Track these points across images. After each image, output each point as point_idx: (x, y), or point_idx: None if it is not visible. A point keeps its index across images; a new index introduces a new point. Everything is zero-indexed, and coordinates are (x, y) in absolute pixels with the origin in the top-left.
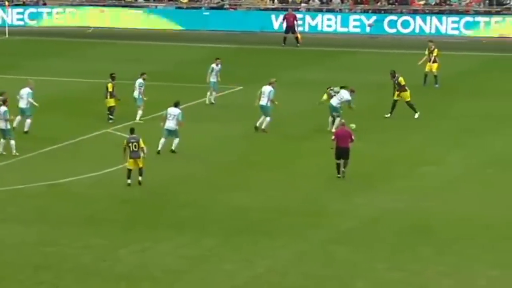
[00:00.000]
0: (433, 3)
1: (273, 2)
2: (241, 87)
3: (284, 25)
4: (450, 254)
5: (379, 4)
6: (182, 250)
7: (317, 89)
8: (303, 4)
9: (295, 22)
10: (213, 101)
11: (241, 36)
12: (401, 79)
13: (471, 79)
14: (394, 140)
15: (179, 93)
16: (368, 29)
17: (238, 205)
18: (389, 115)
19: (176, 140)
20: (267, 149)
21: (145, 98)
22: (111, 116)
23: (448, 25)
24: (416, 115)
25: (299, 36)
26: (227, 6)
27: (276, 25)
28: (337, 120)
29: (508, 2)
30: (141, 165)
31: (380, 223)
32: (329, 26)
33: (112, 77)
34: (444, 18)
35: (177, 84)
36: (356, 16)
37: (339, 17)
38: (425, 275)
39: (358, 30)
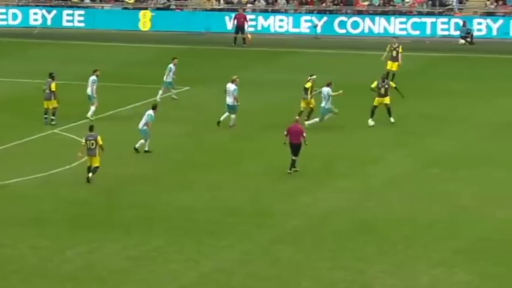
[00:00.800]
0: (377, 4)
1: (219, 3)
2: (188, 88)
3: (234, 25)
4: (393, 253)
5: (324, 5)
6: (128, 250)
7: (263, 89)
8: (249, 5)
9: (245, 22)
10: (175, 96)
11: (187, 37)
12: (391, 83)
13: (415, 79)
14: (338, 139)
15: (126, 94)
16: (318, 30)
17: (184, 205)
18: (392, 120)
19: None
20: (214, 149)
21: (95, 96)
22: (52, 117)
23: (396, 26)
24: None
25: (248, 37)
26: (174, 6)
27: (223, 25)
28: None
29: (450, 3)
30: (96, 164)
31: (325, 223)
32: (281, 27)
33: (52, 77)
34: (392, 19)
35: (124, 84)
36: (308, 17)
37: (290, 18)
38: (369, 274)
39: (308, 31)
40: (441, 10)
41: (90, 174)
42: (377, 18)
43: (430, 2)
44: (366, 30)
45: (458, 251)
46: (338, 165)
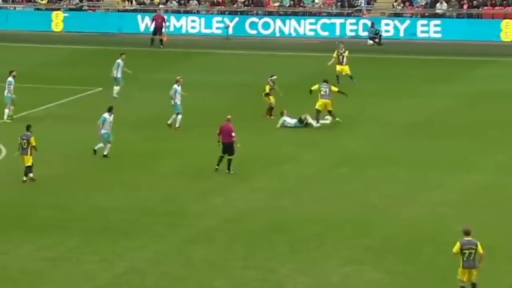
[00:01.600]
0: (288, 5)
1: (131, 4)
2: (100, 89)
3: (153, 26)
4: (305, 252)
5: (235, 6)
6: (43, 251)
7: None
8: (161, 6)
9: (163, 23)
10: (116, 95)
11: (100, 37)
12: (333, 87)
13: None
14: (251, 139)
15: (39, 95)
16: (229, 31)
17: (98, 205)
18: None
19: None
20: (128, 149)
21: (14, 96)
22: None
23: (306, 27)
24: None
25: (164, 38)
26: (86, 7)
27: (135, 26)
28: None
29: (359, 4)
30: (28, 163)
31: (238, 222)
32: (193, 27)
33: None
34: (302, 20)
35: (37, 85)
36: (219, 18)
37: (202, 19)
38: (281, 273)
39: (220, 31)
40: (349, 11)
41: (31, 175)
42: (287, 19)
43: (339, 3)
44: (277, 31)
45: (368, 249)
46: (251, 165)
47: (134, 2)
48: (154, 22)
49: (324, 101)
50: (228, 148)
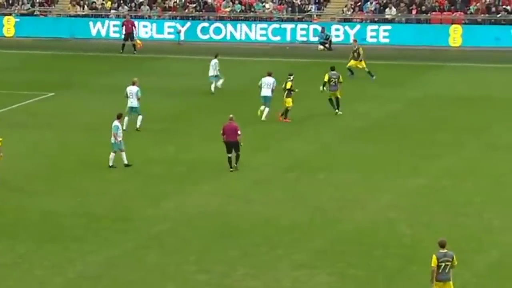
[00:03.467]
0: (239, 10)
1: (83, 9)
2: (52, 94)
3: (123, 32)
4: (256, 256)
5: (186, 11)
6: None
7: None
8: (112, 11)
9: (133, 28)
10: None
11: (52, 43)
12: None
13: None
14: (199, 144)
15: None
16: (181, 36)
17: (48, 210)
18: (340, 112)
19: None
20: (78, 155)
21: None
22: None
23: (257, 32)
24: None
25: (138, 42)
26: (38, 12)
27: (87, 31)
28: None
29: (309, 9)
30: None
31: (189, 227)
32: (145, 33)
33: None
34: (253, 25)
35: None
36: (171, 23)
37: (154, 24)
38: (232, 277)
39: (172, 36)
40: (300, 17)
41: None
42: (238, 24)
43: (290, 9)
44: (228, 36)
45: (319, 253)
46: (202, 169)
47: (86, 7)
48: (124, 28)
49: (332, 93)
50: (234, 146)
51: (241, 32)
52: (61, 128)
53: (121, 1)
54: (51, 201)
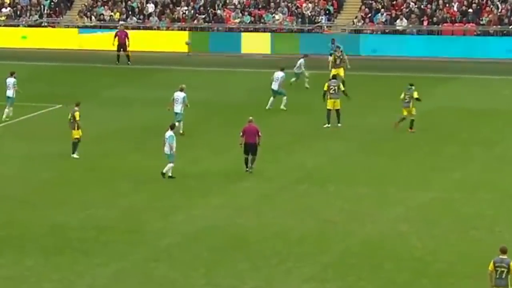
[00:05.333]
0: (248, 21)
1: (90, 20)
2: (60, 106)
3: (116, 43)
4: (265, 269)
5: (195, 22)
6: (1, 270)
7: (134, 106)
8: (121, 22)
9: (126, 39)
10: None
11: (60, 54)
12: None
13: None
14: (209, 156)
15: None
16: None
17: (57, 223)
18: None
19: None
20: (86, 167)
21: None
22: None
23: (268, 43)
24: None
25: (129, 54)
26: (46, 24)
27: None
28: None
29: (320, 20)
30: None
31: (198, 240)
32: (154, 44)
33: None
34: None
35: None
36: (180, 35)
37: (163, 35)
38: None
39: (181, 48)
40: (310, 28)
41: None
42: (246, 35)
43: (300, 20)
44: (239, 48)
45: (329, 266)
46: (211, 182)
47: (93, 18)
48: (117, 38)
49: (332, 100)
50: (252, 149)
51: (251, 43)
52: (69, 140)
53: (130, 12)
54: (60, 213)
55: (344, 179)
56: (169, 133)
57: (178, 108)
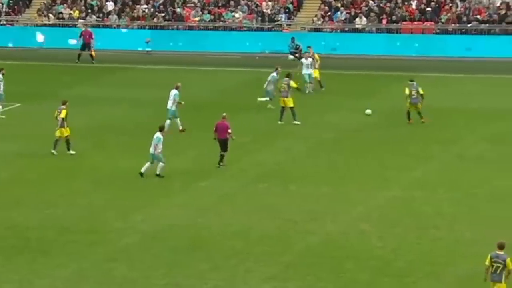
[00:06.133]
0: (208, 20)
1: (48, 18)
2: (19, 104)
3: (81, 42)
4: (226, 268)
5: (155, 20)
6: None
7: (94, 105)
8: (80, 20)
9: (91, 39)
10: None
11: (19, 52)
12: (292, 83)
13: (244, 94)
14: (169, 156)
15: None
16: (147, 46)
17: (15, 223)
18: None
19: (160, 164)
20: (44, 167)
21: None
22: None
23: (227, 42)
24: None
25: (93, 53)
26: (4, 22)
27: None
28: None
29: (279, 19)
30: None
31: (158, 240)
32: (113, 42)
33: None
34: (222, 35)
35: None
36: (140, 33)
37: (123, 33)
38: None
39: (140, 46)
40: (270, 26)
41: None
42: (208, 34)
43: (260, 18)
44: (198, 46)
45: (290, 265)
46: (171, 181)
47: (52, 16)
48: (82, 38)
49: (282, 99)
50: (223, 144)
51: (211, 41)
52: (27, 139)
53: (89, 11)
54: (18, 213)
55: (305, 178)
56: (157, 134)
57: (169, 104)
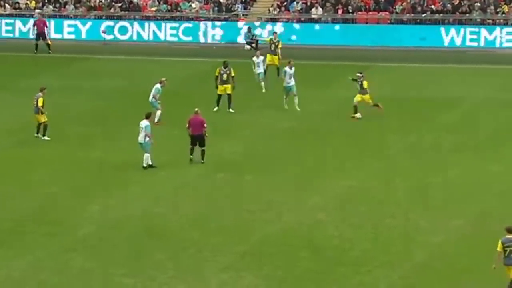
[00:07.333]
0: (165, 10)
1: (4, 9)
2: None
3: (35, 32)
4: (183, 258)
5: (112, 10)
6: None
7: (52, 96)
8: (37, 10)
9: (45, 28)
10: None
11: None
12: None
13: (200, 85)
14: (127, 146)
15: None
16: (103, 36)
17: None
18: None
19: (145, 155)
20: (1, 156)
21: None
22: None
23: (184, 32)
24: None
25: (49, 42)
26: None
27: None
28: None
29: (236, 8)
30: None
31: (116, 230)
32: (70, 32)
33: None
34: (179, 25)
35: None
36: (96, 23)
37: (79, 24)
38: (159, 280)
39: (97, 36)
40: (227, 16)
41: None
42: (162, 24)
43: (217, 8)
44: (151, 36)
45: (246, 255)
46: (128, 172)
47: (8, 6)
48: (36, 27)
49: (223, 86)
50: (198, 139)
51: (167, 31)
52: None
53: (46, 1)
54: None
55: (261, 168)
56: (145, 122)
57: (150, 98)
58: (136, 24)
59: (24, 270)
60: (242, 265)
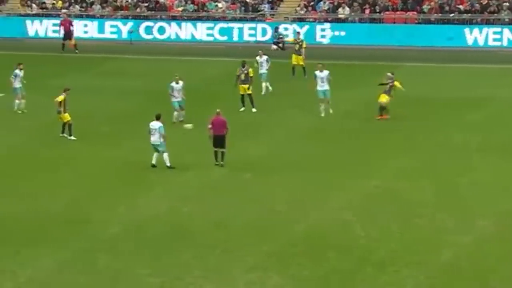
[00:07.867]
0: (192, 10)
1: (31, 9)
2: (2, 94)
3: (62, 31)
4: (209, 258)
5: (138, 10)
6: None
7: (81, 96)
8: (63, 10)
9: (71, 28)
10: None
11: (2, 42)
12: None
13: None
14: (148, 147)
15: None
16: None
17: None
18: (254, 110)
19: (165, 155)
20: (28, 156)
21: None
22: None
23: (213, 31)
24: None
25: (74, 42)
26: None
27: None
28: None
29: (262, 8)
30: None
31: (142, 230)
32: (85, 32)
33: None
34: (206, 24)
35: None
36: (112, 22)
37: (95, 23)
38: (186, 280)
39: (115, 36)
40: (253, 16)
41: None
42: (191, 23)
43: (243, 8)
44: (173, 36)
45: (272, 255)
46: (154, 172)
47: (34, 6)
48: (62, 27)
49: (242, 86)
50: (220, 141)
51: (195, 31)
52: (10, 129)
53: (72, 0)
54: (0, 204)
55: (287, 167)
56: (158, 123)
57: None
58: (163, 23)
59: (50, 270)
60: (268, 265)
